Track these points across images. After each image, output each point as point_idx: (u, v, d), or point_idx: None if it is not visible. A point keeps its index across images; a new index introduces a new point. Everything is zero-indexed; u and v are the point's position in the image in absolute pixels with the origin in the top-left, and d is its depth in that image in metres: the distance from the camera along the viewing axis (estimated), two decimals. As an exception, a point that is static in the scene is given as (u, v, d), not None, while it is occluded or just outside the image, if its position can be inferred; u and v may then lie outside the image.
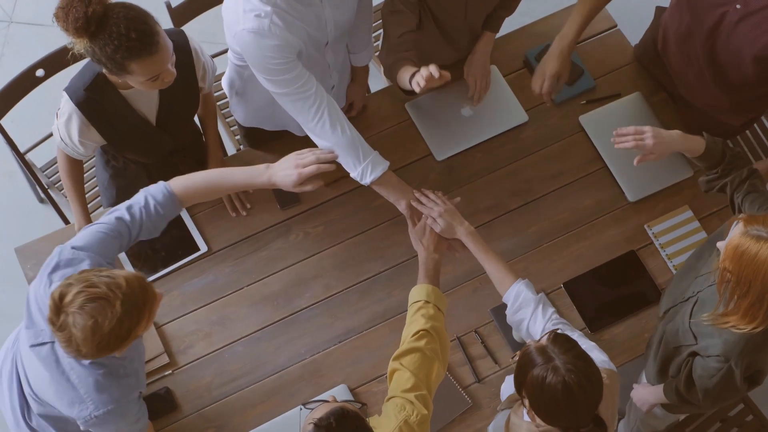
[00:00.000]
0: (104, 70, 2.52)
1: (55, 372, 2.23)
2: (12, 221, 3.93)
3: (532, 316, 2.47)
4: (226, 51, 3.51)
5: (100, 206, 3.31)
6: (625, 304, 2.92)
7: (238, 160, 3.15)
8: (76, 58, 3.19)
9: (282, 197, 3.05)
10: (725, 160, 2.56)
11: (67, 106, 2.62)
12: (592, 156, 3.13)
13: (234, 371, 2.85)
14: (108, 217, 2.39)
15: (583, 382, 2.06)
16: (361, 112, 3.18)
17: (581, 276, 2.95)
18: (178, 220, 3.00)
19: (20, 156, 3.39)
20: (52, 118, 3.67)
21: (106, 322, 2.04)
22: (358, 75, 3.12)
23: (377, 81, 3.54)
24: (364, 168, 2.68)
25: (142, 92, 2.63)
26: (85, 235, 2.34)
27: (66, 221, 3.49)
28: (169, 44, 2.45)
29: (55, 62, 3.23)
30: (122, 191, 3.02)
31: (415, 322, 2.43)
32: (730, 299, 2.21)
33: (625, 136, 2.60)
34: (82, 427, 2.29)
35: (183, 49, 2.65)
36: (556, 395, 2.06)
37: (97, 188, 3.42)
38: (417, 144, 3.13)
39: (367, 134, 3.10)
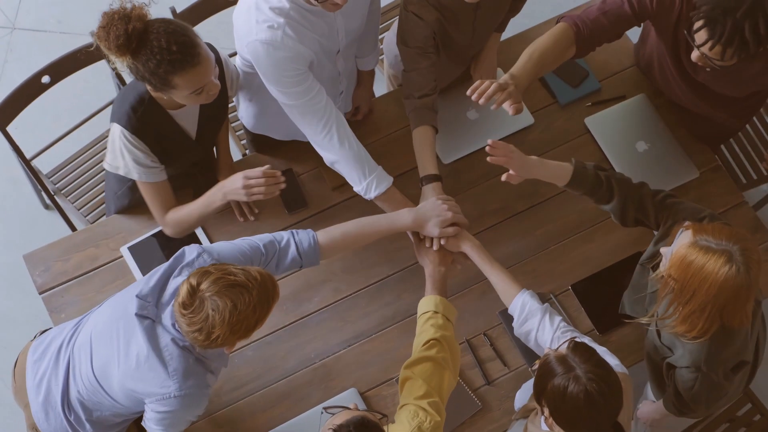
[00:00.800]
0: (149, 87, 2.53)
1: (152, 346, 2.31)
2: (18, 228, 3.93)
3: (540, 325, 2.49)
4: (230, 55, 3.51)
5: (104, 215, 3.30)
6: (633, 305, 2.93)
7: (245, 164, 3.14)
8: (81, 64, 3.23)
9: (289, 202, 3.05)
10: (602, 185, 2.58)
11: (119, 139, 2.60)
12: (599, 157, 3.14)
13: (244, 376, 2.85)
14: (246, 242, 2.51)
15: (604, 391, 2.07)
16: (367, 116, 3.19)
17: (589, 278, 2.96)
18: (186, 226, 3.01)
19: (26, 162, 3.39)
20: (57, 125, 3.70)
21: (243, 307, 2.17)
22: (365, 79, 3.13)
23: (382, 85, 3.55)
24: (369, 183, 2.73)
25: (185, 109, 2.65)
26: (226, 249, 2.46)
27: (72, 228, 3.50)
28: (211, 56, 2.47)
29: (60, 69, 3.24)
30: (136, 201, 3.01)
31: (425, 332, 2.45)
32: (670, 305, 2.24)
33: (497, 150, 2.58)
34: (152, 407, 2.36)
35: (216, 62, 2.66)
36: (578, 405, 2.07)
37: (103, 195, 3.41)
38: (424, 147, 3.14)
39: (373, 138, 3.12)
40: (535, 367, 2.20)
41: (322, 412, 2.14)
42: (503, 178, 2.60)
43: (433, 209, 2.69)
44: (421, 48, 2.78)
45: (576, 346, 2.15)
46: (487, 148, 2.56)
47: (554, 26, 2.76)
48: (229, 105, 2.95)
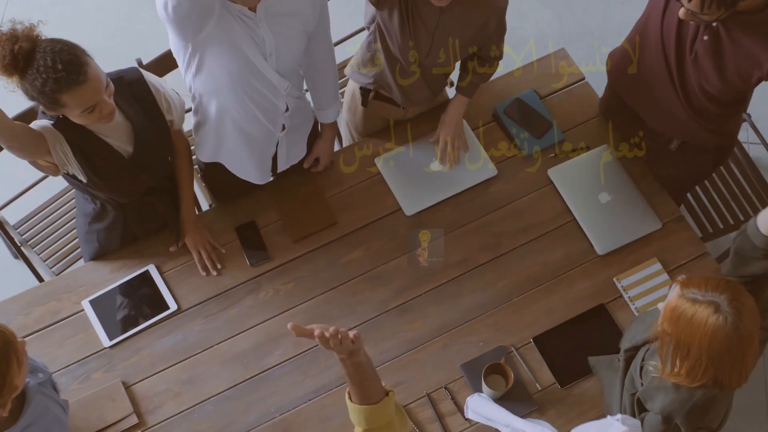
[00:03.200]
0: (41, 108, 2.52)
1: None
2: (-13, 278, 3.92)
3: None
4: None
5: (71, 264, 3.31)
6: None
7: (210, 216, 3.14)
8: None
9: (252, 254, 3.05)
10: None
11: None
12: (561, 209, 3.15)
13: (204, 431, 2.83)
14: None
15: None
16: (328, 168, 3.19)
17: (551, 330, 2.94)
18: (148, 278, 3.01)
19: (-8, 214, 3.39)
20: (26, 175, 3.69)
21: None
22: (326, 131, 3.14)
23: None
24: None
25: (111, 127, 2.63)
26: None
27: (40, 279, 3.49)
28: (101, 74, 2.45)
29: (29, 119, 3.24)
30: (102, 242, 3.01)
31: None
32: (673, 362, 2.23)
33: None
34: None
35: (137, 82, 2.68)
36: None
37: (70, 245, 3.43)
38: (386, 199, 3.15)
39: (336, 190, 3.13)
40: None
41: None
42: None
43: None
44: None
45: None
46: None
47: None
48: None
